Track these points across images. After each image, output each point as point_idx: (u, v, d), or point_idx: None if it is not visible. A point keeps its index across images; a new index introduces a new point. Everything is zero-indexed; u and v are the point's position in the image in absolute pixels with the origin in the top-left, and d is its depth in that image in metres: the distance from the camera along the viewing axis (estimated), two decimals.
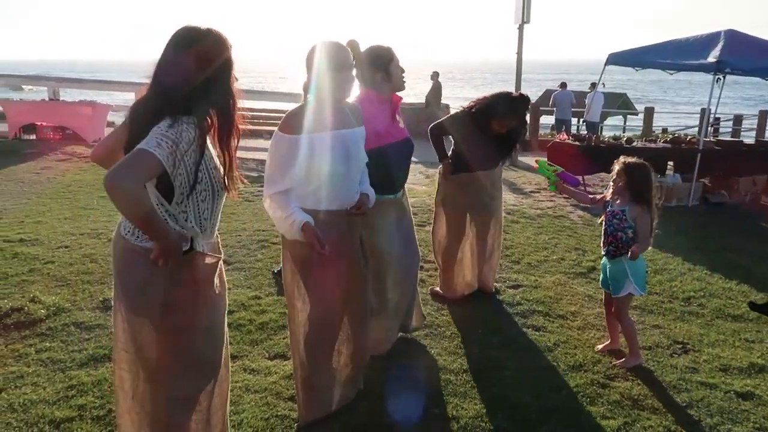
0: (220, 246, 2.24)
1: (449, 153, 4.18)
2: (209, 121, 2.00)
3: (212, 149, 2.03)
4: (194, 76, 1.92)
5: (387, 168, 3.11)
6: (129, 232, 2.01)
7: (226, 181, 2.06)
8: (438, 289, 4.34)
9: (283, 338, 3.56)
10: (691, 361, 3.42)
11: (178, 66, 1.93)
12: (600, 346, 3.53)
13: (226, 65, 2.01)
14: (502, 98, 3.96)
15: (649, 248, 5.58)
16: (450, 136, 4.19)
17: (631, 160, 3.32)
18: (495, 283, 4.48)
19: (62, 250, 5.06)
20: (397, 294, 3.34)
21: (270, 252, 5.19)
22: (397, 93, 3.29)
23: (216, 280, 2.18)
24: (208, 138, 1.99)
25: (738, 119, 17.66)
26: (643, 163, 3.32)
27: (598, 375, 3.23)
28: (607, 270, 3.37)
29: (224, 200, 2.15)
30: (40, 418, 2.71)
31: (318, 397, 2.77)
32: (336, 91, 2.56)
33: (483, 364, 3.33)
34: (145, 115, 1.93)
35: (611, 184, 3.38)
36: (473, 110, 3.98)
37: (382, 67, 3.14)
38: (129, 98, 11.56)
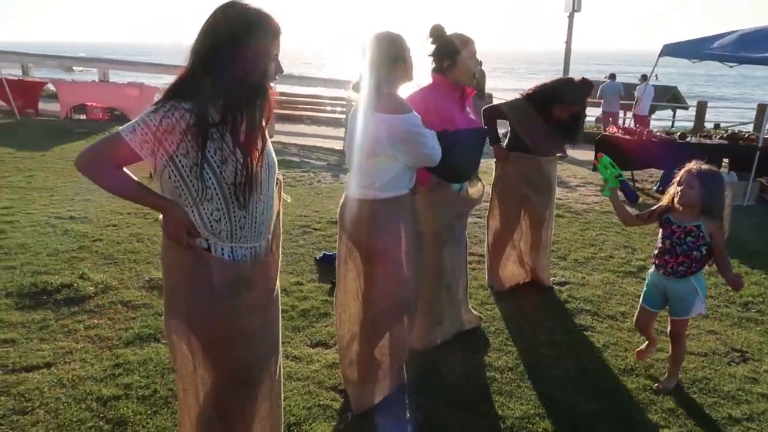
0: (276, 250, 2.05)
1: (504, 140, 4.11)
2: (228, 113, 1.75)
3: (227, 145, 1.77)
4: (212, 54, 1.73)
5: (452, 154, 3.05)
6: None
7: (242, 189, 1.79)
8: (490, 281, 4.27)
9: (325, 326, 3.54)
10: (750, 370, 3.25)
11: (202, 42, 1.75)
12: (641, 352, 3.27)
13: (262, 46, 1.78)
14: (565, 83, 3.86)
15: None
16: (506, 121, 4.10)
17: (704, 167, 2.85)
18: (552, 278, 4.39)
19: (110, 229, 5.15)
20: (443, 293, 3.29)
21: (311, 238, 5.17)
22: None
23: (258, 290, 1.96)
24: (223, 131, 1.75)
25: None
26: (718, 172, 2.96)
27: (651, 380, 3.10)
28: (669, 289, 2.95)
29: (263, 207, 1.91)
30: (88, 395, 2.74)
31: (367, 388, 2.75)
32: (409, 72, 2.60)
33: (530, 363, 3.24)
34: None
35: (674, 193, 2.91)
36: (534, 96, 3.87)
37: (451, 54, 3.08)
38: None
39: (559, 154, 4.26)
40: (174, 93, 1.74)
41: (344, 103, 10.73)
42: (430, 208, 3.09)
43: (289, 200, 2.20)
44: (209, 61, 1.73)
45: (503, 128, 4.20)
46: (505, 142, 4.12)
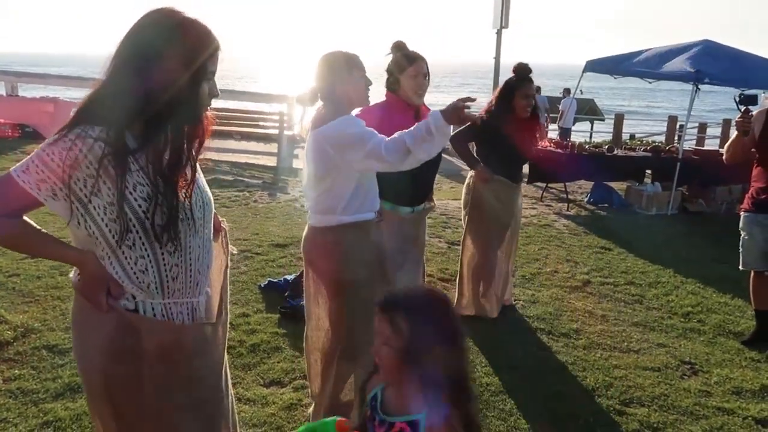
0: (223, 306, 1.77)
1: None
2: (149, 139, 1.48)
3: (148, 178, 1.49)
4: (124, 70, 1.45)
5: (406, 178, 2.94)
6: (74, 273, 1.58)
7: (169, 230, 1.50)
8: (457, 308, 4.14)
9: (278, 362, 3.32)
10: (702, 383, 3.33)
11: (115, 57, 1.47)
12: None
13: (195, 61, 1.48)
14: (510, 78, 3.87)
15: (639, 261, 5.57)
16: (473, 145, 4.05)
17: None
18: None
19: (27, 262, 4.68)
20: None
21: (254, 264, 4.92)
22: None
23: (197, 357, 1.63)
24: (143, 162, 1.48)
25: (703, 127, 18.10)
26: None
27: (613, 400, 3.10)
28: None
29: (198, 254, 1.60)
30: None
31: None
32: (355, 91, 2.47)
33: (491, 390, 3.16)
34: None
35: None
36: (494, 105, 3.85)
37: (394, 72, 3.00)
38: None
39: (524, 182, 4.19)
40: (81, 116, 1.44)
41: (277, 118, 10.46)
42: (386, 232, 2.97)
43: (235, 252, 1.95)
44: (128, 74, 1.45)
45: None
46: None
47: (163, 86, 1.45)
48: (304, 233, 2.54)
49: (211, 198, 1.70)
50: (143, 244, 1.49)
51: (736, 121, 3.70)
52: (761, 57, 8.71)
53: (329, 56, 2.45)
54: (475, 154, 4.04)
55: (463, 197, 4.07)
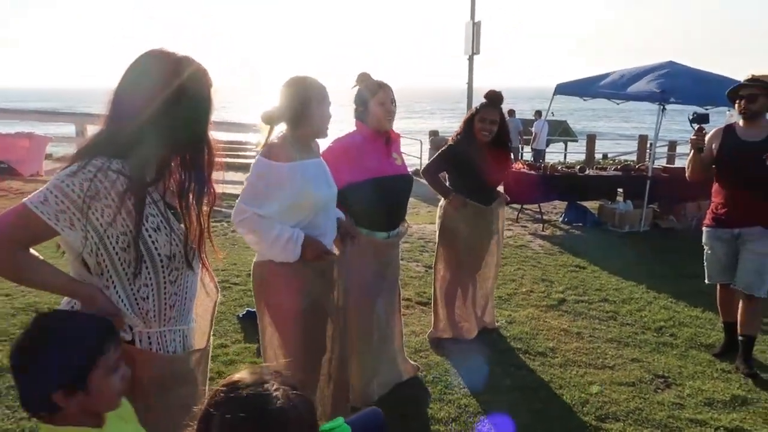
0: (210, 333, 1.84)
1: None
2: (162, 171, 1.58)
3: (159, 209, 1.59)
4: (149, 106, 1.52)
5: (380, 203, 3.00)
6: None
7: (189, 255, 1.62)
8: (434, 331, 4.16)
9: None
10: (675, 396, 3.40)
11: (135, 92, 1.54)
12: None
13: (199, 103, 1.61)
14: (479, 105, 3.97)
15: (613, 278, 5.68)
16: (445, 174, 4.13)
17: None
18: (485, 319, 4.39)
19: (2, 299, 4.62)
20: (377, 346, 3.20)
21: (232, 294, 4.92)
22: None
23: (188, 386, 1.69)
24: (156, 195, 1.58)
25: (672, 145, 18.57)
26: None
27: (589, 416, 3.15)
28: None
29: (193, 281, 1.71)
30: None
31: None
32: (319, 122, 2.50)
33: (471, 411, 3.19)
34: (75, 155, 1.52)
35: None
36: (460, 133, 3.95)
37: (363, 101, 3.07)
38: (69, 130, 11.00)
39: (501, 201, 4.23)
40: (98, 149, 1.50)
41: (254, 147, 10.52)
42: (357, 257, 3.01)
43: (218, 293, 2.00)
44: (149, 112, 1.52)
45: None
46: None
47: (183, 124, 1.56)
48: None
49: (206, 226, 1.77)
50: (149, 273, 1.57)
51: (690, 139, 3.86)
52: (722, 76, 9.04)
53: (299, 81, 2.49)
54: (447, 183, 4.13)
55: (437, 221, 4.14)
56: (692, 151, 3.86)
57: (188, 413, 1.66)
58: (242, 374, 1.01)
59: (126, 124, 1.52)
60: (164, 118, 1.54)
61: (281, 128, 2.51)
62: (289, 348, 2.53)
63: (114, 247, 1.52)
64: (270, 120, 2.49)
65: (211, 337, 1.90)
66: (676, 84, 8.29)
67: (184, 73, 1.57)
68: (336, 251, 2.69)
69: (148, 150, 1.53)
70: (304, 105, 2.44)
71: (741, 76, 3.85)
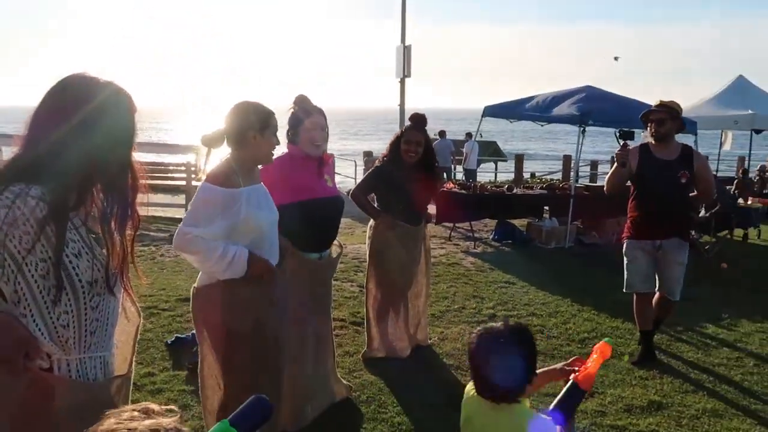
0: (132, 359, 1.80)
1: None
2: (83, 197, 1.55)
3: (80, 235, 1.56)
4: (67, 131, 1.49)
5: (312, 224, 3.02)
6: None
7: (110, 281, 1.59)
8: (368, 351, 4.16)
9: (186, 420, 3.21)
10: (598, 404, 3.56)
11: (54, 116, 1.51)
12: None
13: (118, 128, 1.59)
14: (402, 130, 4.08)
15: (540, 292, 5.90)
16: (374, 195, 4.18)
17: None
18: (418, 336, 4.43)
19: None
20: (311, 368, 3.19)
21: (160, 320, 4.76)
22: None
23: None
24: (77, 221, 1.55)
25: (594, 164, 19.57)
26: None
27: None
28: None
29: (114, 307, 1.67)
30: None
31: None
32: (264, 148, 2.54)
33: (403, 428, 3.22)
34: None
35: None
36: (387, 153, 4.03)
37: (293, 125, 3.10)
38: None
39: (426, 222, 4.32)
40: (13, 174, 1.45)
41: (184, 169, 10.27)
42: (293, 278, 3.02)
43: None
44: (68, 136, 1.50)
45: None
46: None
47: (102, 149, 1.54)
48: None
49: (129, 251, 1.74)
50: (69, 300, 1.53)
51: (616, 154, 4.11)
52: (636, 100, 9.66)
53: (244, 106, 2.51)
54: (376, 204, 4.19)
55: (366, 241, 4.19)
56: (615, 165, 4.13)
57: None
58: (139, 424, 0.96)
59: (44, 148, 1.49)
60: (82, 143, 1.51)
61: (225, 152, 2.53)
62: (232, 372, 2.51)
63: (33, 275, 1.49)
64: (209, 143, 2.50)
65: (135, 365, 1.86)
66: (594, 107, 8.78)
67: (103, 98, 1.56)
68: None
69: (67, 175, 1.50)
70: (246, 131, 2.46)
71: (651, 100, 4.18)
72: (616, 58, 15.12)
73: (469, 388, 1.84)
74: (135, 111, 1.65)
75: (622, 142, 4.05)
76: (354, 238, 8.12)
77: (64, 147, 1.50)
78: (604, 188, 4.35)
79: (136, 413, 0.99)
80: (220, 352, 2.51)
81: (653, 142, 4.10)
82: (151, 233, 8.62)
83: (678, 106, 4.10)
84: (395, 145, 4.01)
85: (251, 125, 2.46)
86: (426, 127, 4.12)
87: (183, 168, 10.40)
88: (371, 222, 4.12)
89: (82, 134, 1.51)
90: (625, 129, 4.20)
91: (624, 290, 4.23)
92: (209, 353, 2.55)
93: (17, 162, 1.51)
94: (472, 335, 1.77)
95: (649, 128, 4.08)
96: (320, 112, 3.15)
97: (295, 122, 3.10)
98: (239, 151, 2.48)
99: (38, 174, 1.47)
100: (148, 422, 0.97)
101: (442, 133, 14.84)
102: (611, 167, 4.24)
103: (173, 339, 4.27)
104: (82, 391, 1.59)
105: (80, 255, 1.53)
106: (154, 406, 1.02)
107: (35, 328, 1.52)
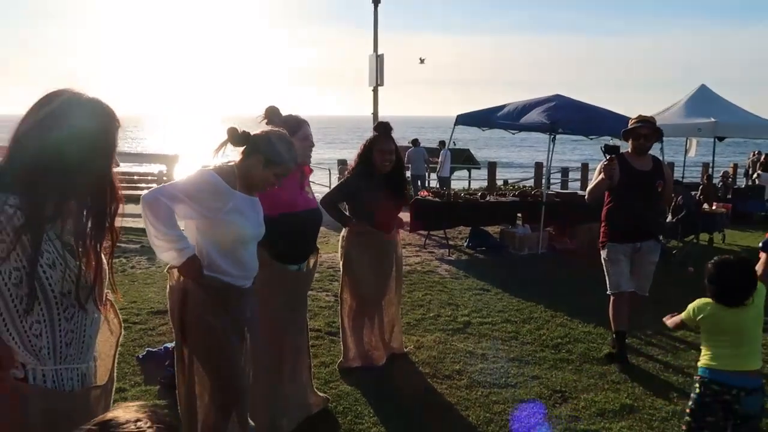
0: (113, 370, 1.82)
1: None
2: (60, 209, 1.57)
3: (54, 246, 1.58)
4: (45, 143, 1.52)
5: (292, 236, 3.03)
6: None
7: (81, 294, 1.60)
8: (344, 361, 4.14)
9: None
10: (572, 409, 3.61)
11: (34, 128, 1.54)
12: None
13: (99, 145, 1.62)
14: (370, 136, 4.09)
15: (514, 299, 5.96)
16: (344, 204, 4.18)
17: None
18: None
19: None
20: (287, 379, 3.18)
21: (131, 334, 4.67)
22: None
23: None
24: (52, 233, 1.57)
25: (565, 171, 19.89)
26: None
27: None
28: None
29: (92, 319, 1.68)
30: None
31: None
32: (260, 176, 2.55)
33: None
34: None
35: None
36: (357, 163, 4.02)
37: None
38: None
39: (400, 229, 4.35)
40: None
41: (155, 179, 10.13)
42: (267, 289, 3.00)
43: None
44: (49, 149, 1.52)
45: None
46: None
47: (85, 163, 1.57)
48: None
49: (105, 264, 1.75)
50: (41, 309, 1.55)
51: (603, 167, 4.27)
52: (604, 108, 9.86)
53: (280, 136, 2.55)
54: (347, 212, 4.19)
55: (339, 250, 4.18)
56: (601, 177, 4.30)
57: None
58: (116, 412, 0.98)
59: (22, 158, 1.52)
60: (62, 158, 1.55)
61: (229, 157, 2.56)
62: (213, 370, 2.50)
63: (6, 283, 1.51)
64: (232, 136, 2.48)
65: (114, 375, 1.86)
66: (564, 115, 8.93)
67: (83, 113, 1.59)
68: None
69: (45, 185, 1.53)
70: (260, 159, 2.48)
71: (617, 107, 4.39)
72: (421, 60, 15.08)
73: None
74: (118, 127, 1.67)
75: (608, 156, 4.24)
76: (329, 247, 8.09)
77: (41, 158, 1.52)
78: (586, 198, 4.60)
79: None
80: (199, 352, 2.51)
81: (634, 154, 4.39)
82: (122, 244, 8.46)
83: (654, 119, 4.47)
84: (365, 155, 4.00)
85: (265, 155, 2.48)
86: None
87: (154, 178, 10.26)
88: (343, 232, 4.12)
89: (60, 146, 1.54)
90: (610, 144, 4.54)
91: (608, 291, 4.40)
92: (185, 358, 2.53)
93: None
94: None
95: (635, 141, 4.37)
96: (306, 122, 3.20)
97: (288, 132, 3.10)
98: (245, 161, 2.51)
99: (18, 184, 1.50)
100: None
101: (415, 142, 14.91)
102: (593, 176, 4.49)
103: (144, 353, 4.19)
104: (59, 401, 1.59)
105: (54, 266, 1.55)
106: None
107: (8, 336, 1.53)
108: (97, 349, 1.76)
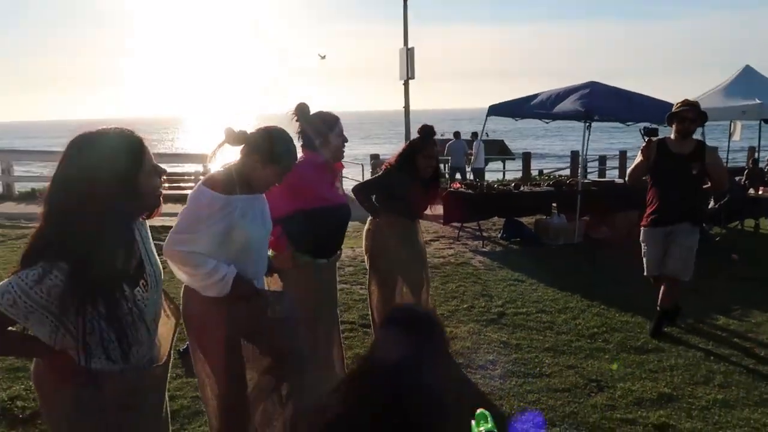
0: (171, 350, 2.02)
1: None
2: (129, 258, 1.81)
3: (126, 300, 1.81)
4: (105, 201, 1.64)
5: (322, 231, 3.09)
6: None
7: (122, 345, 1.78)
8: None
9: (199, 426, 3.27)
10: (607, 398, 3.56)
11: (86, 183, 1.63)
12: None
13: (147, 168, 1.77)
14: (414, 139, 4.10)
15: (549, 289, 5.90)
16: (375, 196, 4.20)
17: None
18: None
19: None
20: (322, 365, 3.23)
21: None
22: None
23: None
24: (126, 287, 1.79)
25: (603, 159, 19.47)
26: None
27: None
28: None
29: (154, 304, 1.91)
30: None
31: None
32: (261, 176, 2.52)
33: None
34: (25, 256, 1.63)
35: None
36: (398, 161, 4.05)
37: (322, 132, 3.15)
38: None
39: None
40: (54, 250, 1.59)
41: (193, 178, 10.38)
42: (295, 286, 3.05)
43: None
44: (99, 205, 1.64)
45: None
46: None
47: (124, 203, 1.70)
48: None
49: (161, 269, 1.93)
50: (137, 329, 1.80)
51: (642, 149, 4.47)
52: (640, 94, 9.62)
53: (280, 134, 2.51)
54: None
55: (363, 244, 4.23)
56: (641, 159, 4.47)
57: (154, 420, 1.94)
58: None
59: (80, 218, 1.61)
60: (122, 209, 1.70)
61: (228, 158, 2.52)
62: (219, 373, 2.58)
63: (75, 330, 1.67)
64: (229, 136, 2.45)
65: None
66: (599, 102, 8.75)
67: (136, 159, 1.73)
68: (270, 285, 2.73)
69: (111, 244, 1.68)
70: (263, 160, 2.45)
71: (655, 93, 4.44)
72: (322, 57, 14.67)
73: None
74: (145, 156, 1.77)
75: (647, 139, 4.40)
76: (361, 241, 8.15)
77: (104, 219, 1.64)
78: (627, 180, 4.78)
79: None
80: (207, 352, 2.60)
81: (678, 138, 4.42)
82: (162, 243, 8.71)
83: (698, 104, 4.50)
84: (408, 156, 4.02)
85: (269, 156, 2.44)
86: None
87: (192, 177, 10.52)
88: (367, 225, 4.17)
89: (118, 202, 1.68)
90: (649, 126, 4.64)
91: (645, 274, 4.53)
92: (198, 360, 2.63)
93: (52, 237, 1.62)
94: None
95: (679, 125, 4.39)
96: (339, 119, 3.26)
97: (321, 130, 3.15)
98: (244, 161, 2.48)
99: (80, 248, 1.60)
100: None
101: (457, 134, 14.77)
102: (633, 161, 4.64)
103: (185, 347, 4.31)
104: (127, 381, 1.78)
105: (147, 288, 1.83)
106: None
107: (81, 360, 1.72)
108: (159, 331, 1.95)
